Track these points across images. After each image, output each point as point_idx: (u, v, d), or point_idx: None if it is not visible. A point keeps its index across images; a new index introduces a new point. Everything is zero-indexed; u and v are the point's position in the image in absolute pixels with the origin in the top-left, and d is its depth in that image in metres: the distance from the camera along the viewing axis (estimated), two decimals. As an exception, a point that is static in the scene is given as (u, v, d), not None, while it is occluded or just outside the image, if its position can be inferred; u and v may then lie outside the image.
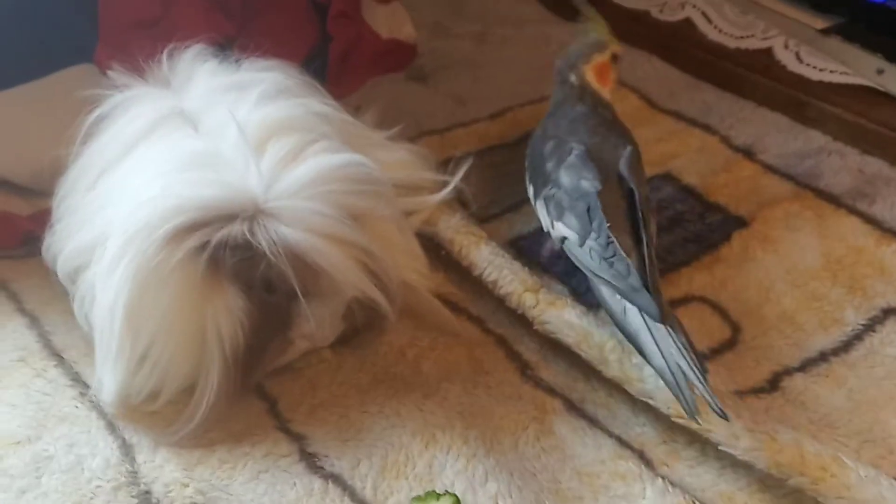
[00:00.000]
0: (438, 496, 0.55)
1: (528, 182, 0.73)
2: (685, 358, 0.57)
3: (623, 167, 0.67)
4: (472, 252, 0.72)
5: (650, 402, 0.61)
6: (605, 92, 0.76)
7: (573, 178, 0.67)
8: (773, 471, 0.56)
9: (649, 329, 0.59)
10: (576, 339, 0.64)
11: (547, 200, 0.68)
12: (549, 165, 0.70)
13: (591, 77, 0.75)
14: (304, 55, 0.91)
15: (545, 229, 0.69)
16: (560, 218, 0.66)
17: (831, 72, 0.91)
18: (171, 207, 0.56)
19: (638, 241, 0.62)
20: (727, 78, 0.95)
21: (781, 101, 0.91)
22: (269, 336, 0.60)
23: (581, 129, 0.71)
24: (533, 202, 0.72)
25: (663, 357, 0.57)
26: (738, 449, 0.57)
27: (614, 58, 0.77)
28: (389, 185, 0.65)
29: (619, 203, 0.65)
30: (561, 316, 0.65)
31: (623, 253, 0.61)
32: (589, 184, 0.65)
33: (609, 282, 0.60)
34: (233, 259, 0.56)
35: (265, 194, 0.56)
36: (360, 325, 0.65)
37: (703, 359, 0.60)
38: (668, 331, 0.58)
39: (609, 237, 0.62)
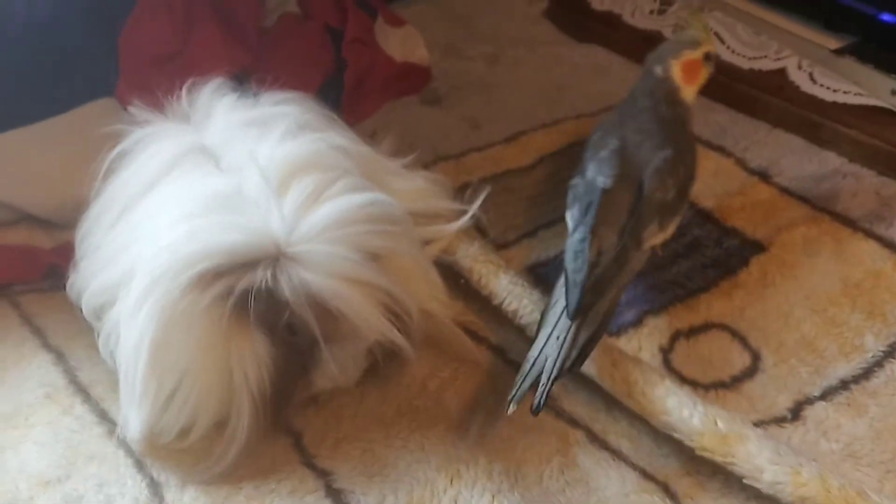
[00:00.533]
0: None
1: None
2: (557, 356, 0.60)
3: (649, 170, 0.68)
4: (491, 281, 0.73)
5: (674, 434, 0.61)
6: (689, 91, 0.73)
7: (595, 172, 0.68)
8: (797, 504, 0.56)
9: (556, 322, 0.62)
10: (597, 372, 0.65)
11: (571, 188, 0.70)
12: (587, 154, 0.71)
13: (676, 72, 0.72)
14: (320, 82, 0.92)
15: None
16: (570, 208, 0.68)
17: (845, 92, 0.91)
18: (195, 252, 0.56)
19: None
20: (741, 99, 0.95)
21: (796, 123, 0.92)
22: (293, 378, 0.61)
23: (629, 125, 0.71)
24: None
25: (541, 348, 0.61)
26: (762, 483, 0.57)
27: (707, 57, 0.73)
28: (409, 221, 0.66)
29: (625, 204, 0.66)
30: None
31: (592, 251, 0.62)
32: (602, 180, 0.66)
33: (564, 272, 0.63)
34: (257, 305, 0.56)
35: (287, 238, 0.57)
36: (381, 360, 0.65)
37: (575, 365, 0.62)
38: (571, 329, 0.61)
39: (588, 233, 0.63)
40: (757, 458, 0.58)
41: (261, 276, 0.55)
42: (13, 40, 0.76)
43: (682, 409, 0.61)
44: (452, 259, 0.75)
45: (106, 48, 0.79)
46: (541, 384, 0.60)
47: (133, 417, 0.60)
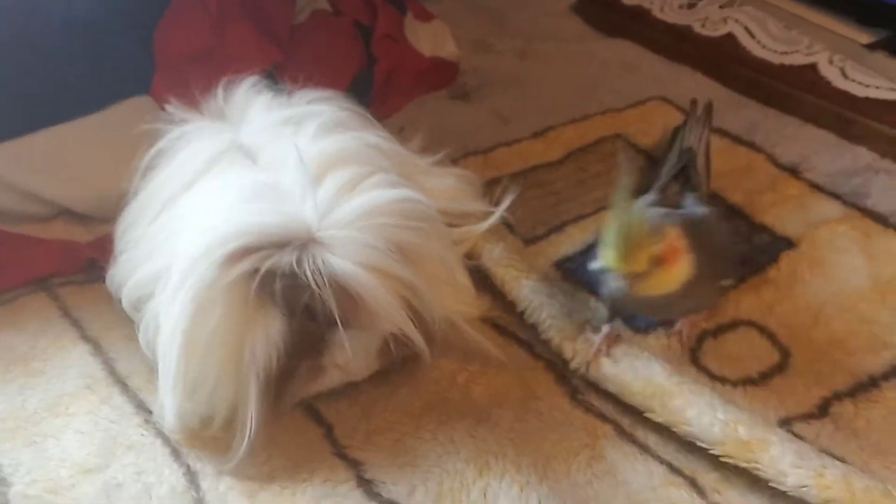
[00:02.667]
0: None
1: None
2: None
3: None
4: (513, 288, 0.73)
5: (697, 443, 0.61)
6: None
7: None
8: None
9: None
10: (617, 389, 0.65)
11: None
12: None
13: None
14: (350, 78, 0.93)
15: None
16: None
17: (877, 87, 0.91)
18: (229, 233, 0.58)
19: None
20: (771, 94, 0.95)
21: (827, 118, 0.91)
22: (301, 360, 0.61)
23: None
24: None
25: None
26: (786, 486, 0.58)
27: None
28: (441, 221, 0.67)
29: None
30: (599, 369, 0.66)
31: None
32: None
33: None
34: (280, 284, 0.57)
35: (319, 223, 0.58)
36: (400, 360, 0.65)
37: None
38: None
39: None
40: (780, 462, 0.58)
41: (287, 257, 0.57)
42: (52, 39, 0.78)
43: (701, 419, 0.61)
44: (477, 262, 0.75)
45: (141, 46, 0.81)
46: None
47: (168, 404, 0.61)
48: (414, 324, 0.61)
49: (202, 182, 0.64)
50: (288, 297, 0.58)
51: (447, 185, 0.75)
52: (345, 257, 0.57)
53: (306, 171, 0.60)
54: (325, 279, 0.56)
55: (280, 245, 0.57)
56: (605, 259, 0.58)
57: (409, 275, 0.60)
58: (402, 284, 0.60)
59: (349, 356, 0.61)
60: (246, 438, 0.59)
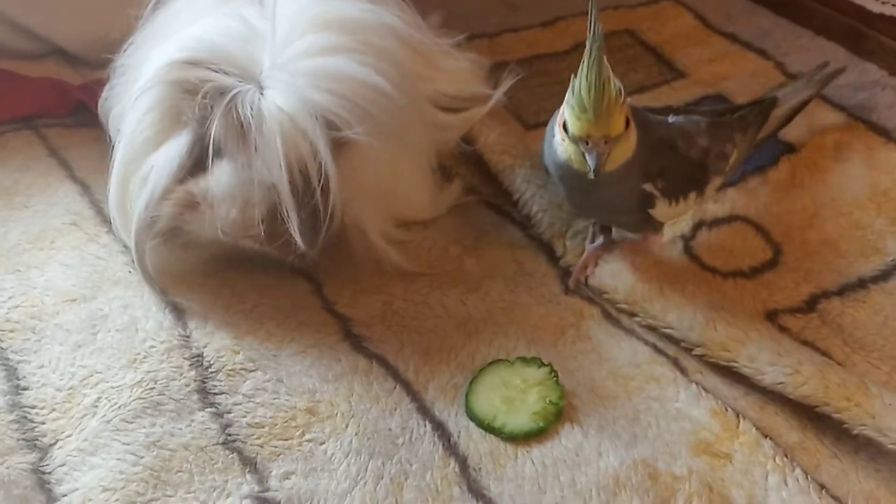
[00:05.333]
0: (527, 361, 0.58)
1: None
2: None
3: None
4: (507, 177, 0.72)
5: (680, 344, 0.62)
6: None
7: None
8: (799, 400, 0.57)
9: None
10: (600, 292, 0.65)
11: None
12: None
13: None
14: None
15: None
16: None
17: (893, 5, 0.89)
18: (184, 44, 0.58)
19: None
20: (785, 4, 0.93)
21: (839, 32, 0.90)
22: (180, 182, 0.58)
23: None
24: None
25: None
26: (764, 382, 0.58)
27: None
28: (414, 123, 0.65)
29: None
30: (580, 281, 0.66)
31: None
32: None
33: None
34: (201, 102, 0.56)
35: (269, 65, 0.57)
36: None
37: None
38: None
39: None
40: (756, 360, 0.59)
41: (224, 81, 0.56)
42: None
43: (682, 322, 0.61)
44: (473, 147, 0.74)
45: None
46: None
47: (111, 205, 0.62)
48: (307, 210, 0.57)
49: (207, 17, 0.62)
50: (201, 117, 0.57)
51: (461, 68, 0.74)
52: (273, 100, 0.55)
53: (290, 20, 0.59)
54: (243, 113, 0.55)
55: (224, 71, 0.56)
56: (580, 127, 0.53)
57: (327, 157, 0.56)
58: (312, 158, 0.56)
59: (224, 193, 0.56)
60: (135, 259, 0.60)
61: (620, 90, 0.53)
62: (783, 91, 0.75)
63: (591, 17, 0.52)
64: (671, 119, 0.62)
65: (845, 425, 0.56)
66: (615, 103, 0.52)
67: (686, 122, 0.63)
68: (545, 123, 0.80)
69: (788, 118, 0.73)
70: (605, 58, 0.52)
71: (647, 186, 0.59)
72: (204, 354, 0.58)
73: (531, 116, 0.81)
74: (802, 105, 0.75)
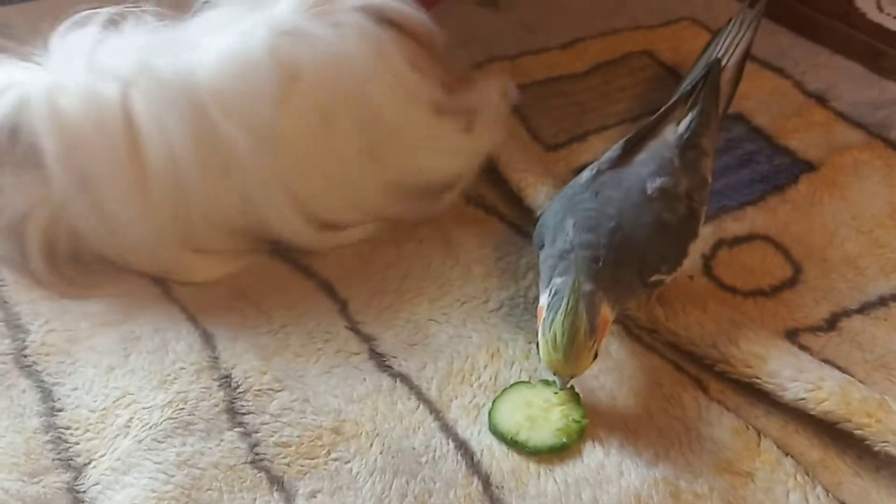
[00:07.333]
0: (549, 383, 0.59)
1: None
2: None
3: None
4: (529, 194, 0.73)
5: (703, 361, 0.62)
6: None
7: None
8: (820, 416, 0.58)
9: None
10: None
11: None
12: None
13: None
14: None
15: None
16: None
17: (912, 22, 0.90)
18: None
19: None
20: (803, 22, 0.94)
21: (858, 50, 0.90)
22: None
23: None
24: None
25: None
26: (786, 398, 0.59)
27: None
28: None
29: None
30: None
31: None
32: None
33: None
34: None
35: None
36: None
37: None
38: None
39: None
40: (778, 376, 0.59)
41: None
42: None
43: (704, 339, 0.62)
44: (496, 164, 0.76)
45: None
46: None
47: None
48: None
49: None
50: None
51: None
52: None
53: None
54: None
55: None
56: (550, 362, 0.56)
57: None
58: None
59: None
60: None
61: (592, 332, 0.55)
62: (714, 50, 0.75)
63: (575, 279, 0.55)
64: (649, 189, 0.61)
65: (867, 442, 0.56)
66: (584, 347, 0.55)
67: (661, 178, 0.61)
68: (564, 145, 0.82)
69: (738, 78, 0.74)
70: (581, 308, 0.55)
71: (654, 279, 0.60)
72: (232, 375, 0.59)
73: (550, 138, 0.82)
74: (746, 53, 0.75)
